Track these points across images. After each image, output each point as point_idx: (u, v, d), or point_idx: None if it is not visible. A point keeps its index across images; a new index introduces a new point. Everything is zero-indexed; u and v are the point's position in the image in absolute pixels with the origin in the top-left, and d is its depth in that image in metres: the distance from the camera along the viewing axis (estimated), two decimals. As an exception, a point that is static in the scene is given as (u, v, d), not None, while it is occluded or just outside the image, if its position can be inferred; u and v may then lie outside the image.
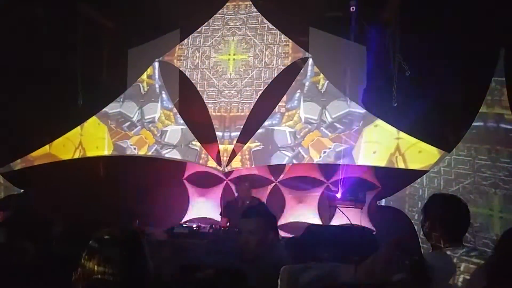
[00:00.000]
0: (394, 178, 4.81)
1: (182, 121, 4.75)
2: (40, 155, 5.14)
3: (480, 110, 4.02)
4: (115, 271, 1.40)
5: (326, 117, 4.41)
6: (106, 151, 5.03)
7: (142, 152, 4.80)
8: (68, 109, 5.38)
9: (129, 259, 1.44)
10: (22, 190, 5.07)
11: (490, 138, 3.96)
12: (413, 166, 4.27)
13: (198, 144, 4.65)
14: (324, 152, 4.40)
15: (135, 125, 4.97)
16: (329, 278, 1.81)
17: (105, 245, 1.44)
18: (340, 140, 4.40)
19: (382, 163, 4.36)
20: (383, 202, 4.35)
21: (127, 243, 1.47)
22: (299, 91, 4.55)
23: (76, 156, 5.09)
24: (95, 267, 1.40)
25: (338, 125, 4.45)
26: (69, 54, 5.44)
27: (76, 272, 1.43)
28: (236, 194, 5.36)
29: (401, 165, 4.30)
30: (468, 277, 1.95)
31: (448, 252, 2.04)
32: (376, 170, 5.49)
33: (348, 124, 4.33)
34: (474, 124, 4.03)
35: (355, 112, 4.38)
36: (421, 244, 4.18)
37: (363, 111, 4.40)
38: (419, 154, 4.31)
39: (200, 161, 4.74)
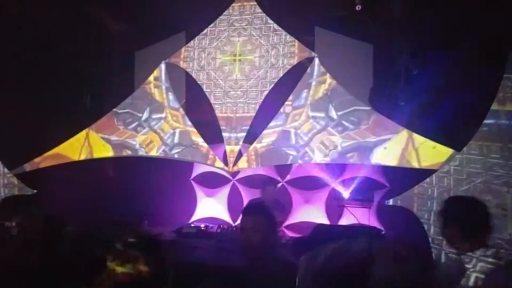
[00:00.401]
0: (402, 177, 4.77)
1: (189, 122, 4.77)
2: (48, 154, 5.19)
3: (491, 108, 3.96)
4: (141, 272, 1.45)
5: (332, 114, 4.38)
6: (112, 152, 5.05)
7: (150, 153, 4.83)
8: (76, 111, 5.44)
9: (153, 261, 1.50)
10: (35, 191, 5.15)
11: (502, 136, 3.90)
12: (426, 162, 4.20)
13: (205, 144, 4.66)
14: (332, 151, 4.37)
15: (142, 126, 4.99)
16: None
17: (131, 248, 1.48)
18: (349, 138, 4.35)
19: (394, 159, 4.29)
20: (391, 202, 4.31)
21: (151, 247, 1.52)
22: (306, 90, 4.54)
23: (83, 154, 5.12)
24: (121, 269, 1.45)
25: (346, 123, 4.41)
26: (77, 56, 5.50)
27: (101, 274, 1.48)
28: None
29: (414, 161, 4.23)
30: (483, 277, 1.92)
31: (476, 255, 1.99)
32: (385, 169, 5.46)
33: (356, 122, 4.29)
34: (485, 121, 3.98)
35: (361, 109, 4.34)
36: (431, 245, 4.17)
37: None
38: (433, 150, 4.25)
39: (208, 162, 4.75)
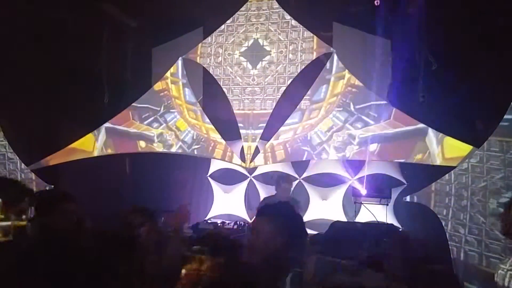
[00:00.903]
0: (420, 174, 4.71)
1: (206, 119, 4.78)
2: (65, 150, 5.25)
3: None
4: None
5: (351, 109, 4.34)
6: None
7: (166, 149, 4.86)
8: (93, 107, 5.50)
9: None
10: (52, 186, 5.22)
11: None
12: (446, 159, 4.14)
13: (223, 141, 4.67)
14: (350, 147, 4.34)
15: (159, 122, 5.02)
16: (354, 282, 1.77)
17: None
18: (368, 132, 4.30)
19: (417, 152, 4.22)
20: (407, 199, 4.27)
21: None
22: (324, 86, 4.51)
23: (97, 147, 5.16)
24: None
25: (366, 118, 4.36)
26: (95, 53, 5.56)
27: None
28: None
29: (434, 157, 4.16)
30: None
31: None
32: (401, 166, 5.40)
33: (376, 118, 4.24)
34: (506, 117, 3.91)
35: (380, 104, 4.29)
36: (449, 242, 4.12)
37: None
38: (453, 146, 4.19)
39: (225, 158, 4.75)
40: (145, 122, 4.99)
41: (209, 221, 5.19)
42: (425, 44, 4.71)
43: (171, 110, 4.95)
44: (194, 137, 4.77)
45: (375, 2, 4.80)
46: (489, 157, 3.93)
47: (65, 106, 5.17)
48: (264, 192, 5.91)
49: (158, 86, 5.08)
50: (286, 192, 5.09)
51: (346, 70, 4.38)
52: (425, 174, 4.58)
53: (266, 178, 5.79)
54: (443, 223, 4.28)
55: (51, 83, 5.11)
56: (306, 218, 5.78)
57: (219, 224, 4.97)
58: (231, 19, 4.92)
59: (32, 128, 5.03)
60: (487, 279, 3.73)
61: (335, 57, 4.43)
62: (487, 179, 3.92)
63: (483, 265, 3.83)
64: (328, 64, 4.50)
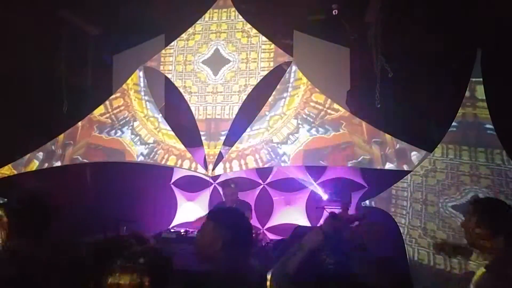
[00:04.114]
0: (380, 177, 4.85)
1: (167, 126, 4.74)
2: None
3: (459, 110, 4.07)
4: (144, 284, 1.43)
5: (309, 118, 4.40)
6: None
7: (128, 158, 4.78)
8: (53, 116, 5.37)
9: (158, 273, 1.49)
10: (5, 199, 5.01)
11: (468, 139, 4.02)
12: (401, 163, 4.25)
13: (184, 148, 4.64)
14: (309, 153, 4.40)
15: (121, 131, 4.93)
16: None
17: (139, 268, 1.45)
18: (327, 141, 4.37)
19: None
20: (367, 203, 4.38)
21: (160, 269, 1.51)
22: (284, 94, 4.57)
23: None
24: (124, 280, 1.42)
25: (324, 127, 4.43)
26: (53, 61, 5.43)
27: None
28: (223, 198, 5.39)
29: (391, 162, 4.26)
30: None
31: None
32: (362, 170, 5.54)
33: (334, 126, 4.32)
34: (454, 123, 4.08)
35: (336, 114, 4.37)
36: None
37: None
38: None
39: (187, 166, 4.72)
40: (105, 132, 4.90)
41: (172, 230, 5.15)
42: (382, 51, 4.88)
43: (132, 119, 4.88)
44: (155, 145, 4.72)
45: (333, 11, 4.94)
46: (439, 162, 4.08)
47: (21, 115, 5.02)
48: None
49: (117, 94, 5.00)
50: (232, 196, 5.16)
51: (305, 78, 4.45)
52: (385, 177, 4.71)
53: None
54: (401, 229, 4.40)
55: (5, 91, 4.94)
56: (270, 223, 5.85)
57: (182, 233, 4.95)
58: (192, 27, 4.92)
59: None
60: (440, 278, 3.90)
61: (295, 65, 4.51)
62: (438, 183, 4.07)
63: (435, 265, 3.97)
64: (287, 72, 4.57)
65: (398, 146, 4.17)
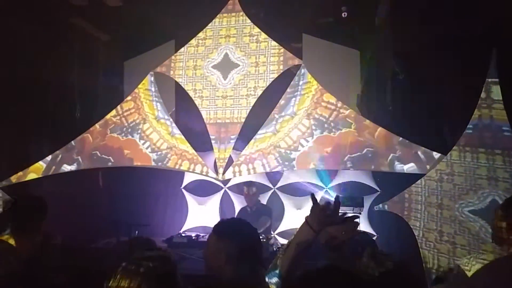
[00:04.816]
0: (393, 181, 4.78)
1: (178, 131, 4.75)
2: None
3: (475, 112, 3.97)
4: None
5: (320, 119, 4.37)
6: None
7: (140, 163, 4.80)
8: (65, 122, 5.42)
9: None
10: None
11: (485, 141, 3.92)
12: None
13: (195, 152, 4.64)
14: (321, 156, 4.35)
15: (131, 135, 4.95)
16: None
17: (148, 274, 1.44)
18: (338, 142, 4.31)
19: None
20: (379, 207, 4.32)
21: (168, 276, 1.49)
22: (293, 97, 4.55)
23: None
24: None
25: (336, 128, 4.38)
26: (66, 67, 5.50)
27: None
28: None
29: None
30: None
31: None
32: (374, 174, 5.47)
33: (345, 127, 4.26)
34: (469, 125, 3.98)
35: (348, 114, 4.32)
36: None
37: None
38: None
39: (198, 170, 4.71)
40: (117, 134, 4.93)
41: (183, 234, 5.15)
42: (392, 54, 4.83)
43: (142, 123, 4.90)
44: (166, 150, 4.73)
45: (343, 14, 4.91)
46: (456, 165, 3.99)
47: (35, 120, 5.09)
48: (239, 202, 5.91)
49: (128, 99, 5.03)
50: (253, 198, 5.19)
51: (316, 81, 4.42)
52: (398, 181, 4.63)
53: (241, 188, 5.80)
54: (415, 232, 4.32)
55: (20, 97, 5.02)
56: (281, 228, 5.80)
57: (193, 237, 4.94)
58: (202, 32, 4.93)
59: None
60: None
61: (305, 68, 4.48)
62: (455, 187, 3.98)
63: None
64: (297, 75, 4.54)
65: (411, 148, 4.10)
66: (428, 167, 4.04)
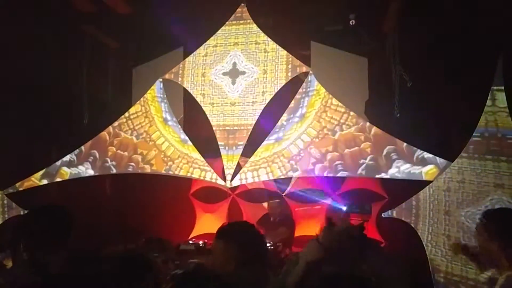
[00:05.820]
0: (401, 188, 4.76)
1: (186, 137, 4.77)
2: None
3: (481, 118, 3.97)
4: None
5: (328, 127, 4.38)
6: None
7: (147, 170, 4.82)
8: (73, 128, 5.45)
9: None
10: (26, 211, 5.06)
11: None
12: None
13: (203, 159, 4.66)
14: (330, 163, 4.36)
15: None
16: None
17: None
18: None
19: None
20: (387, 214, 4.31)
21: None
22: (301, 104, 4.56)
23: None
24: None
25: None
26: (75, 74, 5.55)
27: None
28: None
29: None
30: None
31: None
32: (383, 181, 5.45)
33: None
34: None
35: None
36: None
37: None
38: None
39: (206, 177, 4.71)
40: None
41: (191, 242, 5.14)
42: (400, 61, 4.84)
43: (151, 130, 4.93)
44: (174, 156, 4.75)
45: (351, 22, 4.94)
46: (462, 172, 3.98)
47: (42, 127, 5.12)
48: (247, 209, 5.91)
49: (136, 106, 5.06)
50: (276, 210, 5.22)
51: (323, 89, 4.43)
52: (407, 188, 4.61)
53: (248, 195, 5.81)
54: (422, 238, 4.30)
55: (28, 104, 5.05)
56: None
57: (201, 245, 4.93)
58: (211, 39, 4.96)
59: (6, 150, 4.88)
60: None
61: (312, 75, 4.50)
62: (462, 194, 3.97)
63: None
64: (305, 83, 4.56)
65: (418, 155, 4.10)
66: (435, 174, 4.04)
